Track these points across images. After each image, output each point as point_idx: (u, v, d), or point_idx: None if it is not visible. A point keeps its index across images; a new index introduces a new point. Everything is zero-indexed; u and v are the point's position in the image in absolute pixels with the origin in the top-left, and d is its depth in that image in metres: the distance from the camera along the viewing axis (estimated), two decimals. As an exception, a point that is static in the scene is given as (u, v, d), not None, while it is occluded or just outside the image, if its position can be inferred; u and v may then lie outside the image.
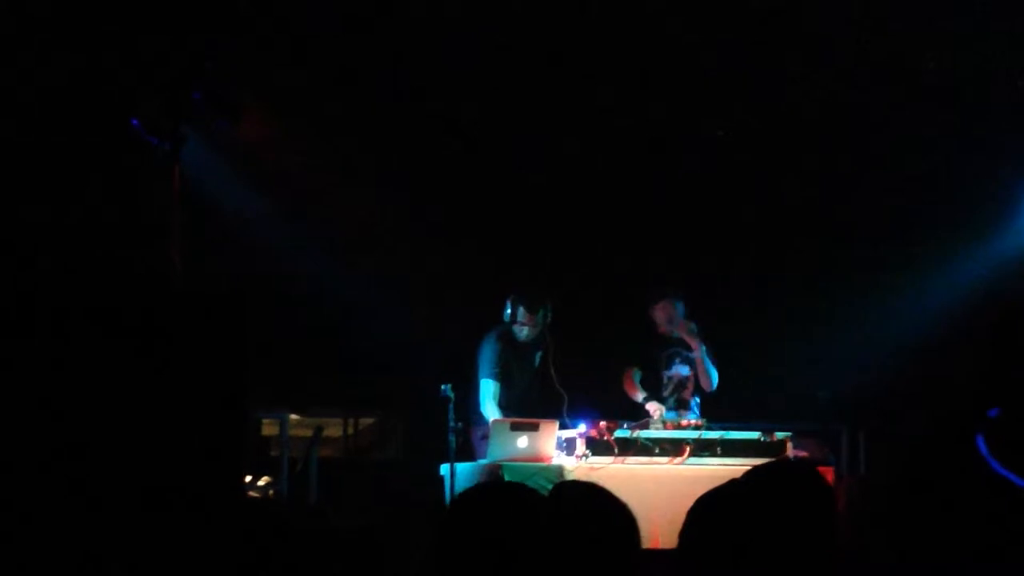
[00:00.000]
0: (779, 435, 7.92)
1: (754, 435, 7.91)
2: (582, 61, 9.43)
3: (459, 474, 7.75)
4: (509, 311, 8.51)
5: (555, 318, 8.56)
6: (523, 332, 8.49)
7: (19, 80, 8.19)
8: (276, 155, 9.43)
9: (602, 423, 7.77)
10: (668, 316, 8.79)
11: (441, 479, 7.91)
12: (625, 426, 7.81)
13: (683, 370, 8.83)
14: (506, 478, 7.34)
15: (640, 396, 8.72)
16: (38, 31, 8.17)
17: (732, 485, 2.96)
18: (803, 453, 8.20)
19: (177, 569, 3.94)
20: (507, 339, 8.55)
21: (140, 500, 3.98)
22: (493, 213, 10.15)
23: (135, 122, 7.73)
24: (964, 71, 9.30)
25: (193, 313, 4.24)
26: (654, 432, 7.85)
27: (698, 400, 8.86)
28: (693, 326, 8.78)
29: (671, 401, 8.76)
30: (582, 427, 7.71)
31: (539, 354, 8.65)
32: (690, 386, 8.82)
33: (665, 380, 8.82)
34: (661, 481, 7.56)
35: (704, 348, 8.73)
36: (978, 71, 9.27)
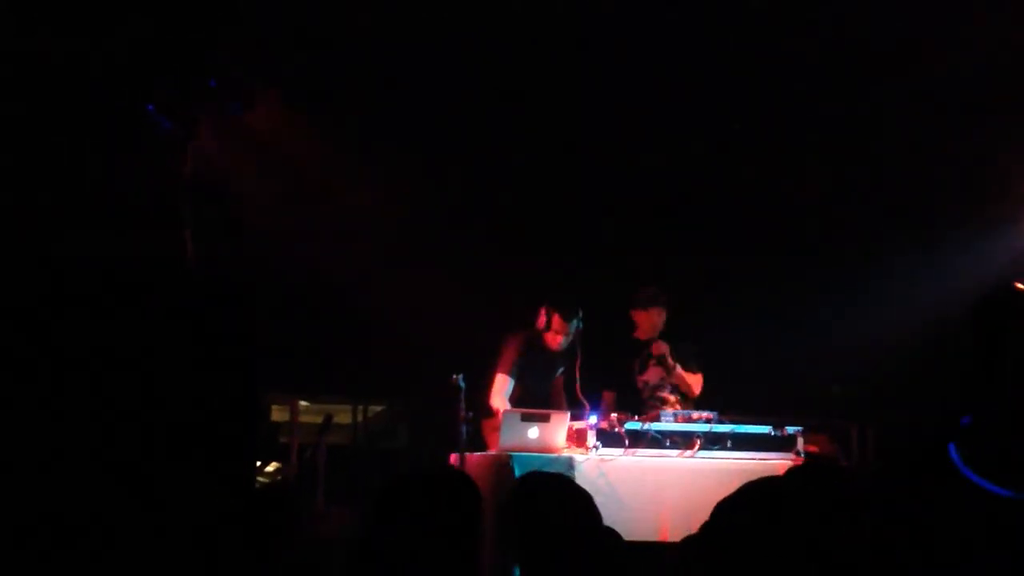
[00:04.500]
0: (790, 430, 7.92)
1: (764, 429, 7.90)
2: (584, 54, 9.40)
3: (469, 464, 7.73)
4: (544, 318, 8.39)
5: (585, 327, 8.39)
6: (555, 341, 8.36)
7: (33, 62, 8.16)
8: (289, 142, 9.42)
9: (613, 415, 7.77)
10: (653, 324, 8.66)
11: (450, 469, 7.88)
12: (636, 418, 7.79)
13: (658, 372, 8.64)
14: (515, 468, 7.34)
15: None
16: (57, 14, 8.16)
17: (766, 481, 2.93)
18: (813, 448, 8.17)
19: (189, 559, 3.93)
20: (532, 343, 8.45)
21: (151, 489, 3.98)
22: (504, 203, 10.13)
23: (150, 107, 7.74)
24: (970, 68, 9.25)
25: (205, 298, 4.24)
26: (665, 425, 7.83)
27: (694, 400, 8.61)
28: (664, 351, 8.55)
29: (653, 402, 8.53)
30: (593, 419, 7.70)
31: (561, 369, 8.52)
32: (667, 385, 8.63)
33: (641, 385, 8.65)
34: (671, 473, 7.55)
35: (676, 369, 8.54)
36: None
